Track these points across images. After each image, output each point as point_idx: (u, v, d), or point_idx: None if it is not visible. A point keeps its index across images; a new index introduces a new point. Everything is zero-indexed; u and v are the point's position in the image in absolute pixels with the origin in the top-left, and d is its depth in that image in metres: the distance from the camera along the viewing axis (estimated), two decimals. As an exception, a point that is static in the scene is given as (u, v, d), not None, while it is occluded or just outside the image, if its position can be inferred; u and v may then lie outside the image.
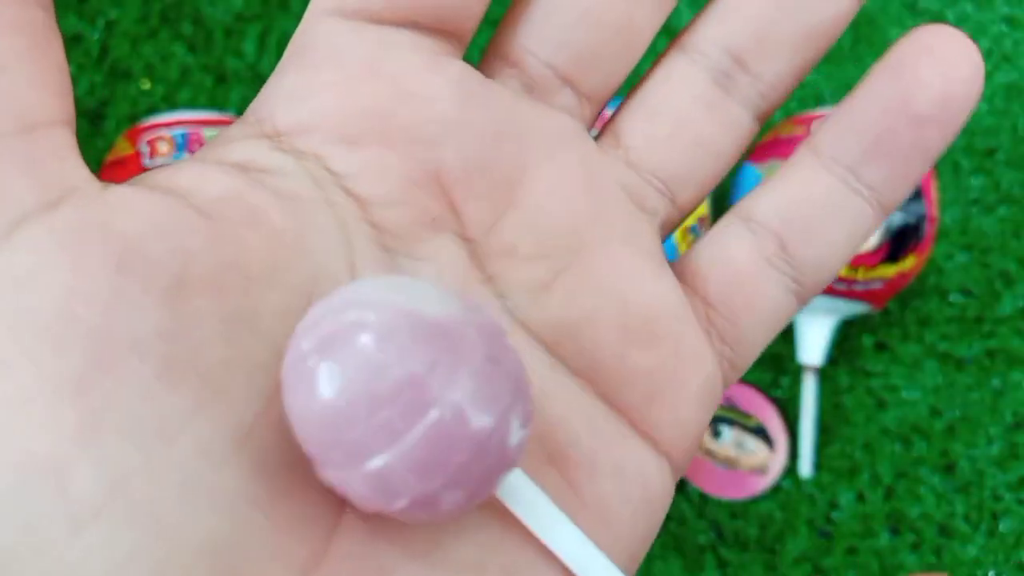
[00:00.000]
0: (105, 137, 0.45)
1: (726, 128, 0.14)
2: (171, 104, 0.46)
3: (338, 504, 0.11)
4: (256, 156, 0.12)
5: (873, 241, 0.38)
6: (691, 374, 0.14)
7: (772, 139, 0.42)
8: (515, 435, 0.11)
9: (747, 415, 0.43)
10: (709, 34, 0.14)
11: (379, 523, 0.11)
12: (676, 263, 0.15)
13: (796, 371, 0.44)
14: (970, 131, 0.49)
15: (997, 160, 0.49)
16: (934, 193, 0.40)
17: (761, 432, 0.43)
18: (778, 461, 0.42)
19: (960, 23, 0.51)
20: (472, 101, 0.13)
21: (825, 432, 0.44)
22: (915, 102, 0.13)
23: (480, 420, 0.10)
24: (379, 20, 0.13)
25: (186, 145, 0.37)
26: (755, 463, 0.42)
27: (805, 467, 0.43)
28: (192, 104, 0.47)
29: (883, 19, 0.51)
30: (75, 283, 0.10)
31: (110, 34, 0.48)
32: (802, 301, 0.15)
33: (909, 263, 0.39)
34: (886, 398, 0.44)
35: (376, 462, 0.10)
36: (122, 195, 0.11)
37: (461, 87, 0.13)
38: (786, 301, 0.15)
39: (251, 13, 0.48)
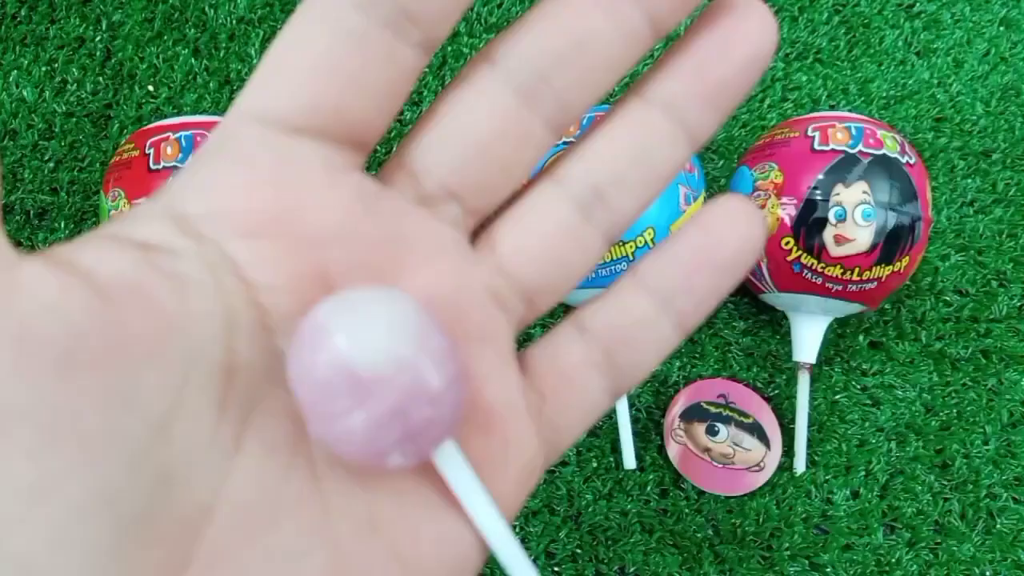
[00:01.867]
0: (110, 140, 0.46)
1: (582, 250, 0.17)
2: (175, 107, 0.47)
3: (186, 551, 0.13)
4: (160, 237, 0.14)
5: (867, 242, 0.38)
6: (515, 458, 0.16)
7: (767, 142, 0.42)
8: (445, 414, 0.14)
9: (744, 413, 0.43)
10: (577, 170, 0.17)
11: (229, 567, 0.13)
12: (521, 356, 0.17)
13: (791, 370, 0.45)
14: (966, 132, 0.50)
15: (993, 161, 0.49)
16: (928, 194, 0.40)
17: (757, 429, 0.43)
18: (773, 458, 0.43)
19: (957, 24, 0.52)
20: (360, 212, 0.15)
21: (820, 430, 0.44)
22: (719, 252, 0.17)
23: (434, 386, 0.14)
24: (293, 130, 0.15)
25: (192, 148, 0.37)
26: (751, 460, 0.43)
27: (800, 464, 0.43)
28: (197, 107, 0.47)
29: (878, 21, 0.52)
30: None
31: (114, 37, 0.48)
32: (614, 400, 0.18)
33: (903, 264, 0.39)
34: (881, 396, 0.45)
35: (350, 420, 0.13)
36: (29, 274, 0.12)
37: (353, 200, 0.15)
38: (603, 400, 0.18)
39: (255, 17, 0.48)
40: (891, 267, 0.39)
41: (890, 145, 0.39)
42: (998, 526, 0.43)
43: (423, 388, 0.13)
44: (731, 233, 0.17)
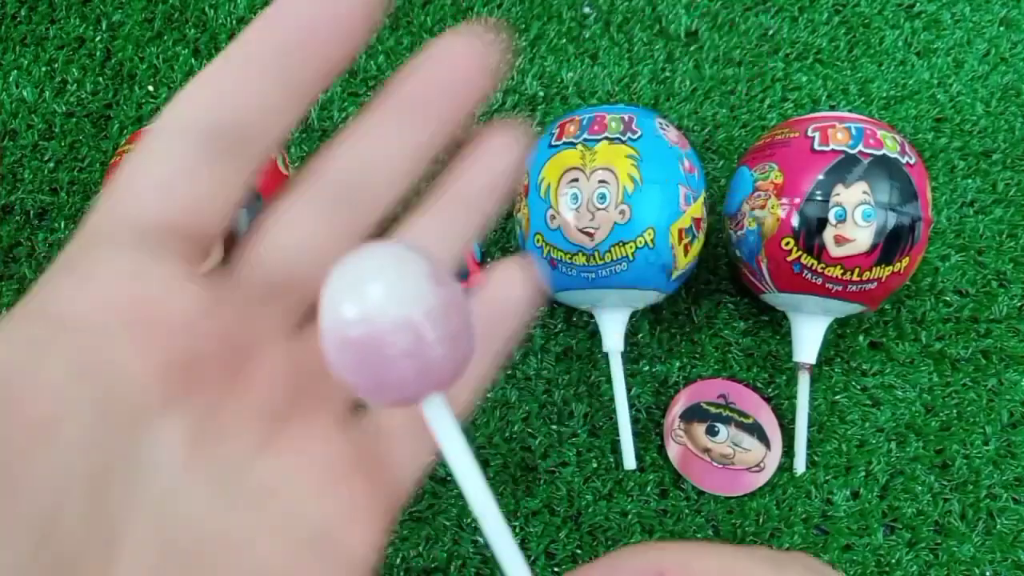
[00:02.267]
0: (110, 140, 0.46)
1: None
2: (175, 107, 0.47)
3: None
4: (30, 337, 0.15)
5: (867, 242, 0.38)
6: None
7: (767, 142, 0.42)
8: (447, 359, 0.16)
9: (744, 413, 0.43)
10: None
11: None
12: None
13: (791, 370, 0.45)
14: (966, 132, 0.50)
15: (993, 161, 0.49)
16: (928, 194, 0.40)
17: (757, 429, 0.43)
18: (773, 458, 0.43)
19: (957, 24, 0.52)
20: (207, 308, 0.17)
21: (821, 430, 0.44)
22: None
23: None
24: (150, 230, 0.17)
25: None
26: (751, 460, 0.43)
27: (800, 464, 0.43)
28: (196, 107, 0.47)
29: (878, 21, 0.52)
30: None
31: (114, 37, 0.48)
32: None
33: (903, 264, 0.39)
34: (881, 397, 0.45)
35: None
36: None
37: (201, 297, 0.17)
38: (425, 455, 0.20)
39: (255, 17, 0.48)
40: (891, 267, 0.39)
41: (890, 145, 0.39)
42: (998, 526, 0.43)
43: (393, 351, 0.15)
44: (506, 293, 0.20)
